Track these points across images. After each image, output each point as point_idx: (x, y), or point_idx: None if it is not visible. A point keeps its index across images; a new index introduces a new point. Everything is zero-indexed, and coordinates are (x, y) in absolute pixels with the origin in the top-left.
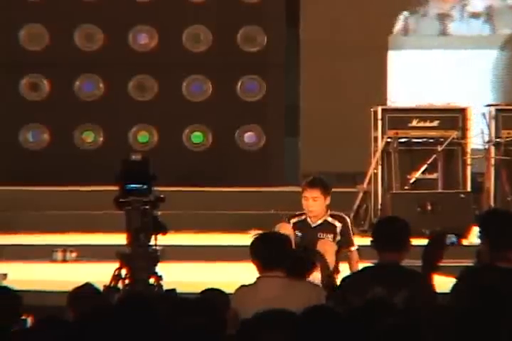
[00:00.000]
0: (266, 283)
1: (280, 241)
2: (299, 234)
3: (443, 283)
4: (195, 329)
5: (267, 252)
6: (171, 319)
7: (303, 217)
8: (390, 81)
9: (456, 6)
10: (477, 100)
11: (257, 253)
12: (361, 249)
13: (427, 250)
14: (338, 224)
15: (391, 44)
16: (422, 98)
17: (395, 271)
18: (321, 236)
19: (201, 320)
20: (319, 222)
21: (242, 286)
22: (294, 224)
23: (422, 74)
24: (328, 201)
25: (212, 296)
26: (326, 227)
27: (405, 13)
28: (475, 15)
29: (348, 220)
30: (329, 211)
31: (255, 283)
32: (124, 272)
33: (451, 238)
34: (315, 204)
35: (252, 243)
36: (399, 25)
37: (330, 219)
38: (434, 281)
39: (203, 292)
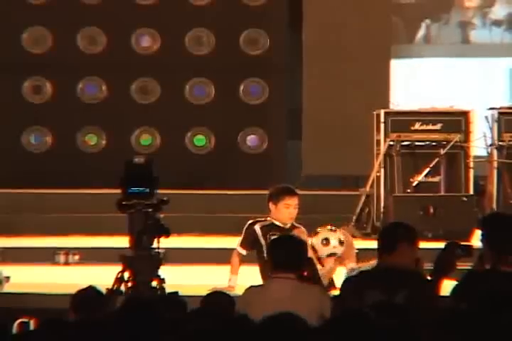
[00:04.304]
0: (278, 283)
1: (295, 245)
2: (275, 236)
3: (445, 286)
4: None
5: (281, 254)
6: (178, 323)
7: (267, 222)
8: (394, 86)
9: (477, 14)
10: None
11: (271, 254)
12: (364, 252)
13: (440, 258)
14: (299, 225)
15: (397, 52)
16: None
17: (394, 274)
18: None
19: (208, 323)
20: (288, 224)
21: (252, 287)
22: (261, 228)
23: (429, 81)
24: None
25: (218, 299)
26: (294, 227)
27: (427, 20)
28: (497, 23)
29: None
30: None
31: (266, 283)
32: (126, 275)
33: (459, 250)
34: (295, 212)
35: (269, 244)
36: (420, 33)
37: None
38: (441, 287)
39: (208, 295)
